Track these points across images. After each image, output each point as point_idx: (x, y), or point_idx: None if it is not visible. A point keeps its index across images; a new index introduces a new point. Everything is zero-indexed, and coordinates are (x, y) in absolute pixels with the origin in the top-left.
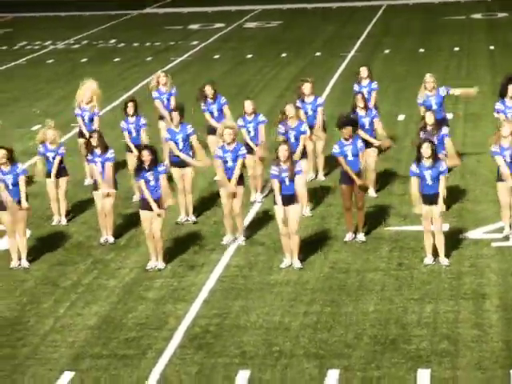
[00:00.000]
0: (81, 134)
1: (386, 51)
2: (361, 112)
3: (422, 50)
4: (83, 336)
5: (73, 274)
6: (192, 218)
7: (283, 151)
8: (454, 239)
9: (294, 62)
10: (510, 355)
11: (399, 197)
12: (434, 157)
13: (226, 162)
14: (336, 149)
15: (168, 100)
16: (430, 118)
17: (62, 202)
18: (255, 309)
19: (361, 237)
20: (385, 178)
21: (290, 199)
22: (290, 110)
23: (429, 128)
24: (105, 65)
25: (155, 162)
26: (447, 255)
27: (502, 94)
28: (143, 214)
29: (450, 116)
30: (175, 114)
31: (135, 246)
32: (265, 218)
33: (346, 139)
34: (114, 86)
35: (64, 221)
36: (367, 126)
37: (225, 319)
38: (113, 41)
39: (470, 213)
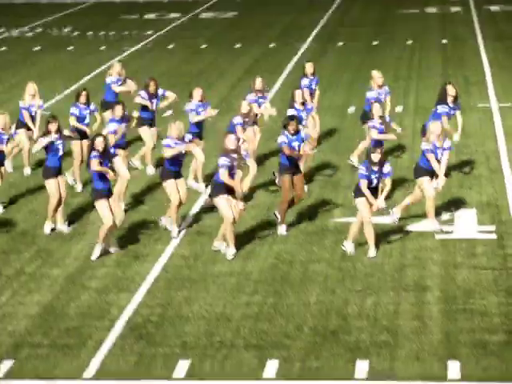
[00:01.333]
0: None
1: (340, 43)
2: (299, 107)
3: (375, 42)
4: (24, 325)
5: (16, 263)
6: None
7: (233, 140)
8: (397, 232)
9: (248, 52)
10: (448, 347)
11: (345, 189)
12: (382, 162)
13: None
14: (283, 139)
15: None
16: (377, 111)
17: None
18: (198, 299)
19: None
20: (333, 170)
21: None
22: (243, 106)
23: (377, 120)
24: (58, 53)
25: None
26: (391, 248)
27: (443, 99)
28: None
29: (400, 109)
30: (118, 107)
31: (80, 235)
32: (211, 209)
33: (292, 134)
34: (66, 75)
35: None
36: (305, 121)
37: (167, 309)
38: (67, 29)
39: (414, 205)
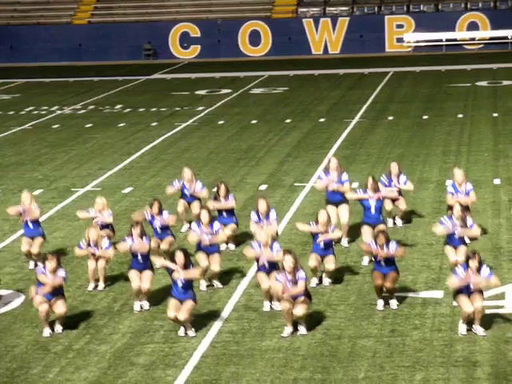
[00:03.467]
0: None
1: (390, 117)
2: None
3: (425, 117)
4: None
5: (64, 339)
6: None
7: (289, 263)
8: (445, 306)
9: (298, 127)
10: None
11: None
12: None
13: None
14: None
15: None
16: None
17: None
18: (245, 375)
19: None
20: None
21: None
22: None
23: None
24: (109, 130)
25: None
26: (440, 322)
27: None
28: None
29: (449, 183)
30: (204, 213)
31: (128, 311)
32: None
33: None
34: (117, 151)
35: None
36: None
37: None
38: (119, 106)
39: None
